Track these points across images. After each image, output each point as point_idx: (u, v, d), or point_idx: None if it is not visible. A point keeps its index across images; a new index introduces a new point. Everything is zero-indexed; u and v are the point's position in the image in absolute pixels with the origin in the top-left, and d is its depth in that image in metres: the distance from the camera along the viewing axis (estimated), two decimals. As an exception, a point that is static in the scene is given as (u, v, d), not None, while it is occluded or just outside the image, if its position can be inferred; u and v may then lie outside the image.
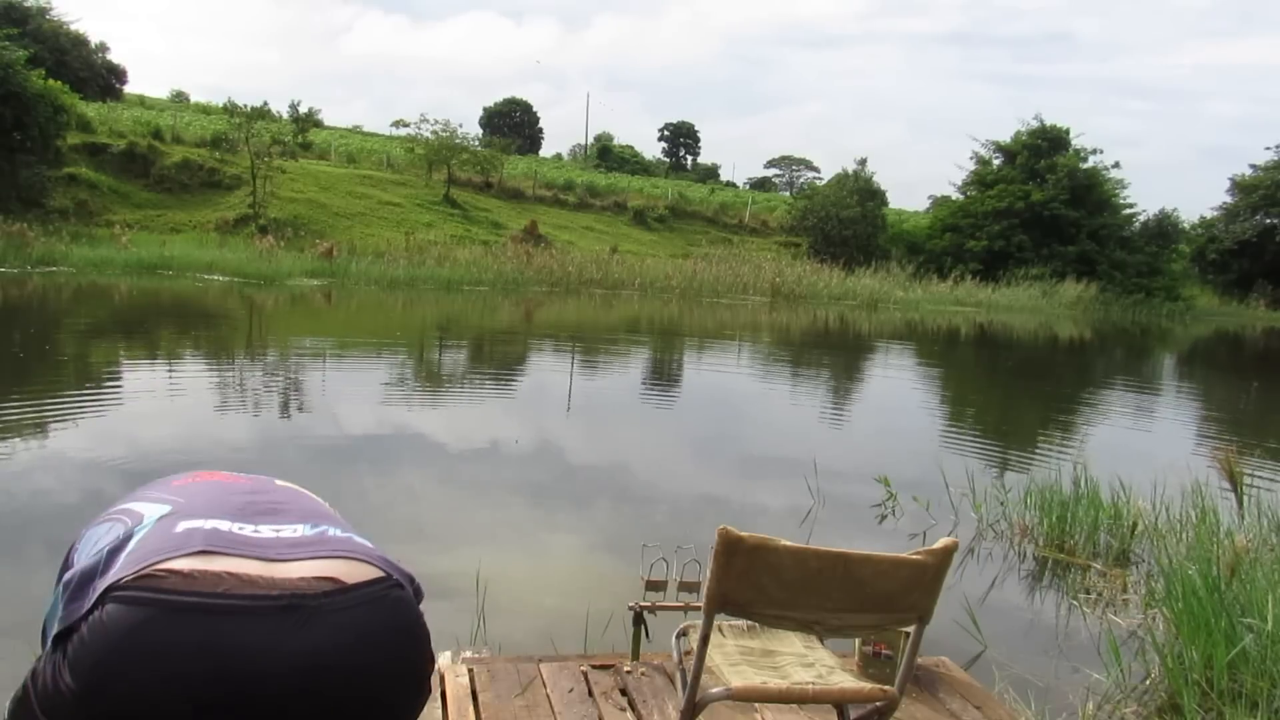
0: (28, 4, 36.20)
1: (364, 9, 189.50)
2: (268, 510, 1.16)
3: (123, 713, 0.95)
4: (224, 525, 1.08)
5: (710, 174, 64.90)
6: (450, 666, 2.47)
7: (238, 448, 5.94)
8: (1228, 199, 42.17)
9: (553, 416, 8.18)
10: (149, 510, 1.14)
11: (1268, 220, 40.29)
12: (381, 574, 1.08)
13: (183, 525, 1.07)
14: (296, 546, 1.08)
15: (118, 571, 1.01)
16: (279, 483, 1.30)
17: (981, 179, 38.60)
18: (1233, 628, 2.96)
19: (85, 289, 16.62)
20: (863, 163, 37.92)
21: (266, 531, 1.10)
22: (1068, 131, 38.06)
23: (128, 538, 1.09)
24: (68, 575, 1.10)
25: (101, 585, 0.99)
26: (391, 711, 1.08)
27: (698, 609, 1.72)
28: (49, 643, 1.03)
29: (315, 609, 1.00)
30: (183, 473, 1.31)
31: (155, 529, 1.08)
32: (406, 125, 34.42)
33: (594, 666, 2.51)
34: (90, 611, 0.98)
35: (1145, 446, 8.29)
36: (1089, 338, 22.94)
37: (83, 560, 1.10)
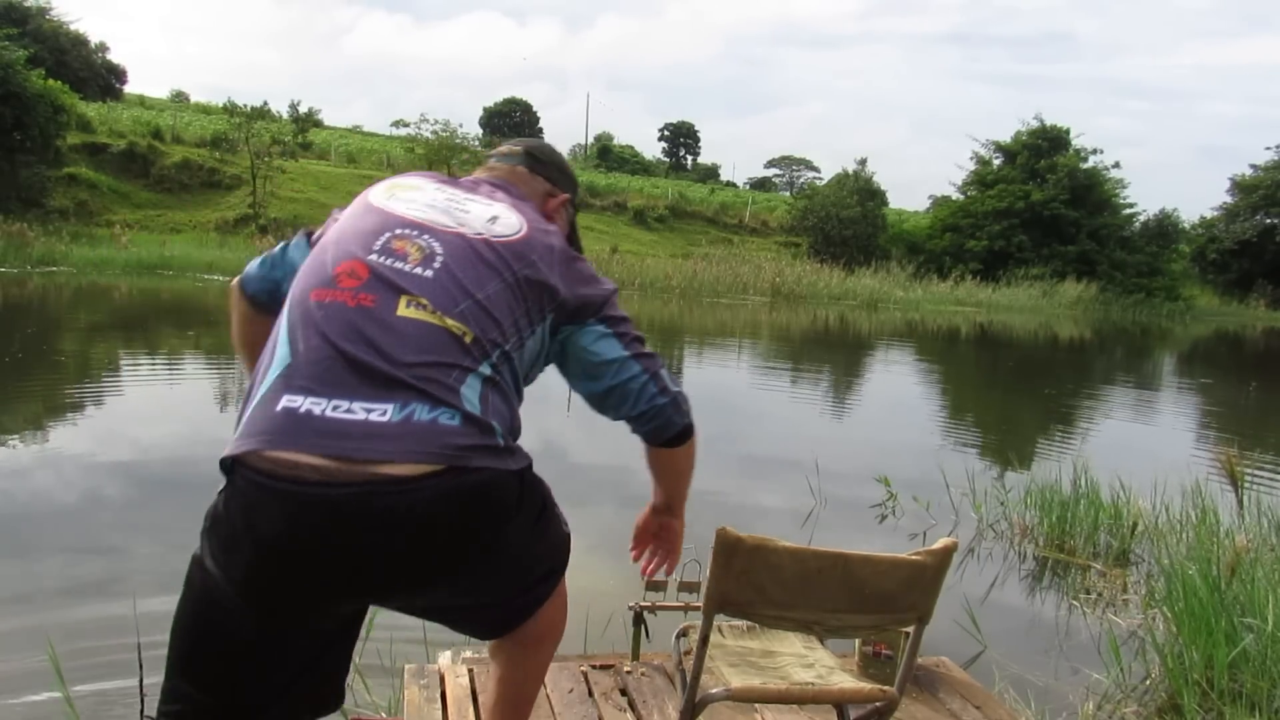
0: (28, 4, 36.19)
1: (367, 9, 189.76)
2: (366, 373, 1.27)
3: (242, 564, 1.25)
4: (318, 408, 1.25)
5: (710, 174, 64.87)
6: (450, 667, 2.47)
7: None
8: (1228, 199, 42.19)
9: (553, 416, 8.17)
10: (280, 352, 1.32)
11: (1268, 220, 40.29)
12: (439, 468, 1.24)
13: (283, 403, 1.26)
14: (375, 440, 1.23)
15: (239, 435, 1.27)
16: (405, 309, 1.35)
17: (981, 179, 38.60)
18: (1233, 628, 2.96)
19: (85, 289, 16.62)
20: (863, 163, 37.96)
21: (359, 411, 1.25)
22: (1068, 131, 38.07)
23: (263, 377, 1.31)
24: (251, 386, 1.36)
25: (230, 448, 1.26)
26: (443, 575, 1.33)
27: (698, 609, 1.72)
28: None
29: (381, 499, 1.21)
30: (324, 275, 1.39)
31: (267, 396, 1.28)
32: (406, 125, 34.49)
33: (594, 667, 2.50)
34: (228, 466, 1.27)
35: (1145, 446, 8.29)
36: (1089, 338, 22.94)
37: (259, 365, 1.36)
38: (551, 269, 1.46)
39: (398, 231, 1.43)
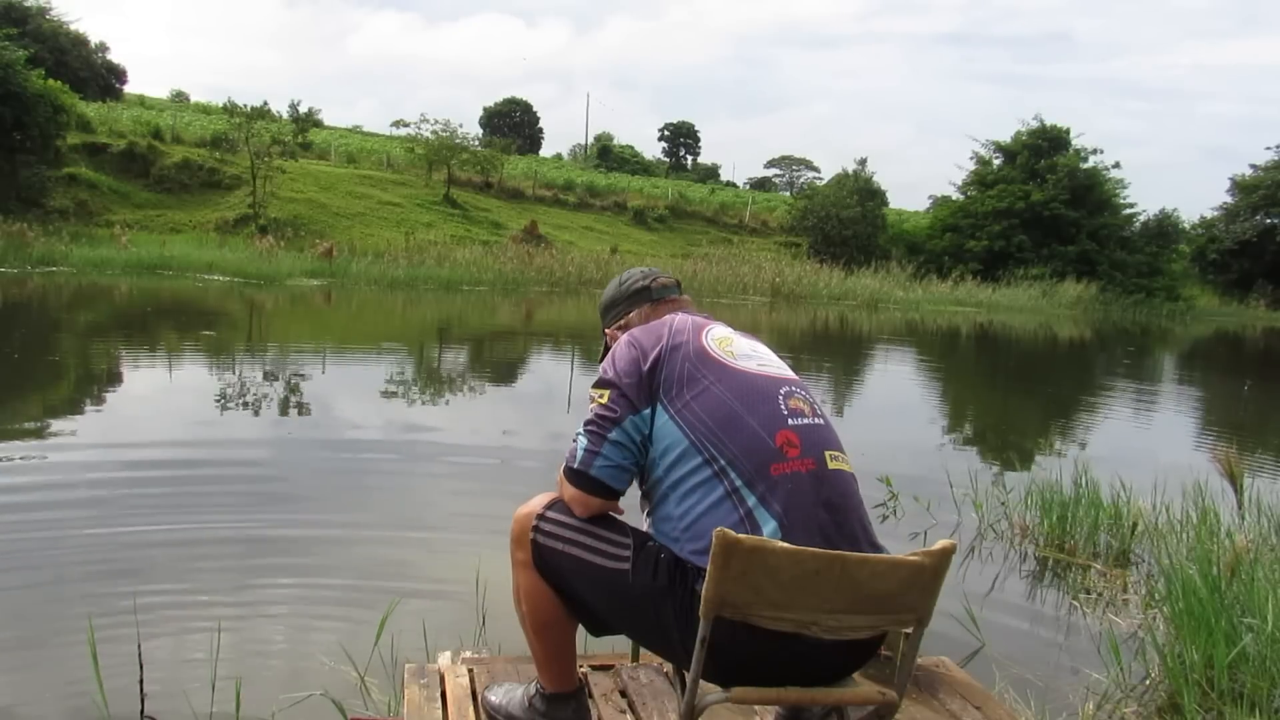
0: (28, 4, 36.20)
1: (376, 9, 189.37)
2: (835, 527, 1.64)
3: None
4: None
5: (710, 174, 64.89)
6: (450, 667, 2.46)
7: (239, 446, 5.93)
8: (1228, 199, 42.23)
9: (554, 416, 8.17)
10: (765, 524, 1.60)
11: (1268, 220, 40.31)
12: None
13: None
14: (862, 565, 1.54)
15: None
16: (831, 463, 1.70)
17: (982, 179, 38.62)
18: (1233, 628, 2.95)
19: (85, 289, 16.63)
20: (863, 163, 38.04)
21: (844, 547, 1.59)
22: (1068, 132, 38.09)
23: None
24: (680, 522, 1.67)
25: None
26: None
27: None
28: (656, 541, 1.71)
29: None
30: (768, 448, 1.64)
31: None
32: (406, 125, 34.45)
33: (593, 667, 2.50)
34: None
35: (1145, 446, 8.29)
36: (1089, 338, 22.94)
37: (698, 523, 1.63)
38: None
39: (784, 390, 1.73)
